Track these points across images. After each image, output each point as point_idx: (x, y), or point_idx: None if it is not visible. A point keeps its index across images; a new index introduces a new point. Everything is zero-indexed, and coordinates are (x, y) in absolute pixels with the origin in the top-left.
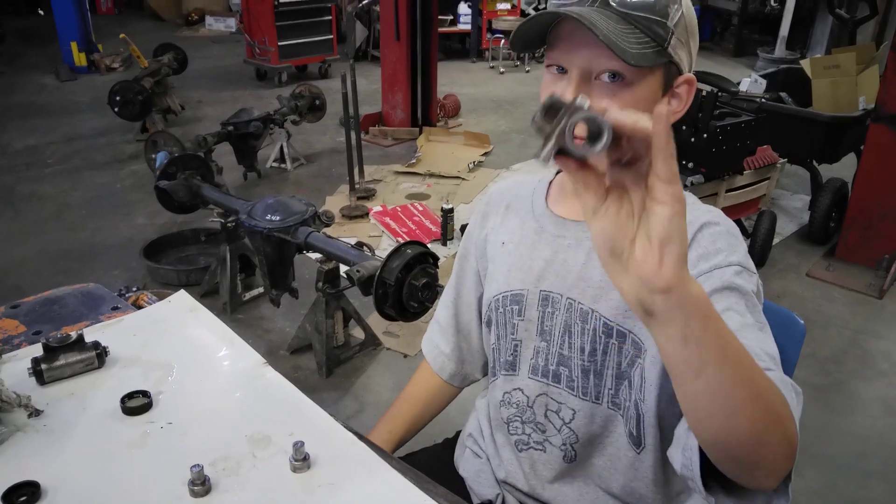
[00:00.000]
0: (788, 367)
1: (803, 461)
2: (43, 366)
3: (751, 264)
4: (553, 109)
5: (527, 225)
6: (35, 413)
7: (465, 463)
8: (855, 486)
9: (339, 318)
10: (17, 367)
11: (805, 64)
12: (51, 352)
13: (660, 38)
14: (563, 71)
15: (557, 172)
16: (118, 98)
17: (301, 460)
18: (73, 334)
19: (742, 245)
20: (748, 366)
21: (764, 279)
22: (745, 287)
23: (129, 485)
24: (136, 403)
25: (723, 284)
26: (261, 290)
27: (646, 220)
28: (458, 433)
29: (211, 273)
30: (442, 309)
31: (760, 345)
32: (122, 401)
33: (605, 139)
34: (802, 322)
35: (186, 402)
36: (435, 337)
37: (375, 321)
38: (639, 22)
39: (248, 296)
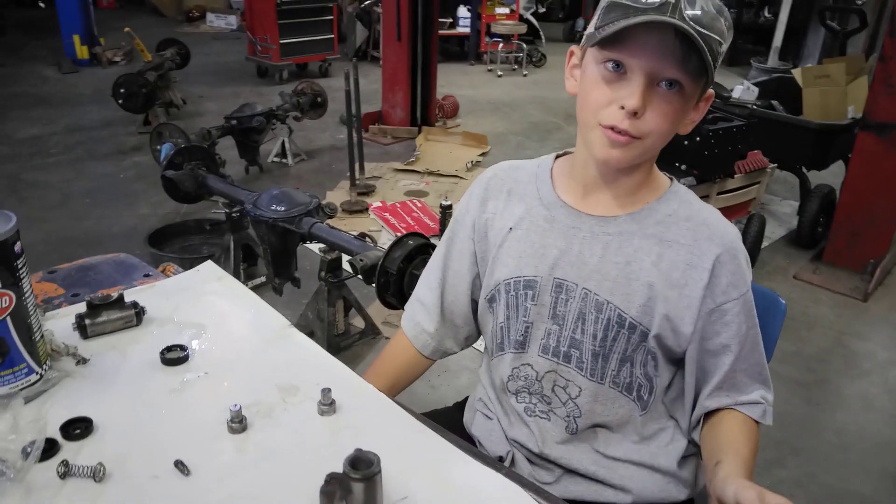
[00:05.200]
0: (770, 342)
1: (786, 452)
2: (87, 321)
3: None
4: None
5: (535, 212)
6: (82, 361)
7: (477, 424)
8: (834, 476)
9: (340, 307)
10: (60, 324)
11: (796, 73)
12: (94, 308)
13: (715, 56)
14: (618, 68)
15: (558, 156)
16: (122, 90)
17: (328, 405)
18: (114, 294)
19: (745, 255)
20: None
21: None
22: (753, 303)
23: (173, 423)
24: (174, 356)
25: (743, 309)
26: (263, 279)
27: None
28: (467, 397)
29: (214, 262)
30: (425, 290)
31: (756, 366)
32: (161, 353)
33: None
34: (784, 302)
35: (220, 357)
36: (417, 315)
37: (375, 311)
38: (703, 39)
39: (250, 285)
